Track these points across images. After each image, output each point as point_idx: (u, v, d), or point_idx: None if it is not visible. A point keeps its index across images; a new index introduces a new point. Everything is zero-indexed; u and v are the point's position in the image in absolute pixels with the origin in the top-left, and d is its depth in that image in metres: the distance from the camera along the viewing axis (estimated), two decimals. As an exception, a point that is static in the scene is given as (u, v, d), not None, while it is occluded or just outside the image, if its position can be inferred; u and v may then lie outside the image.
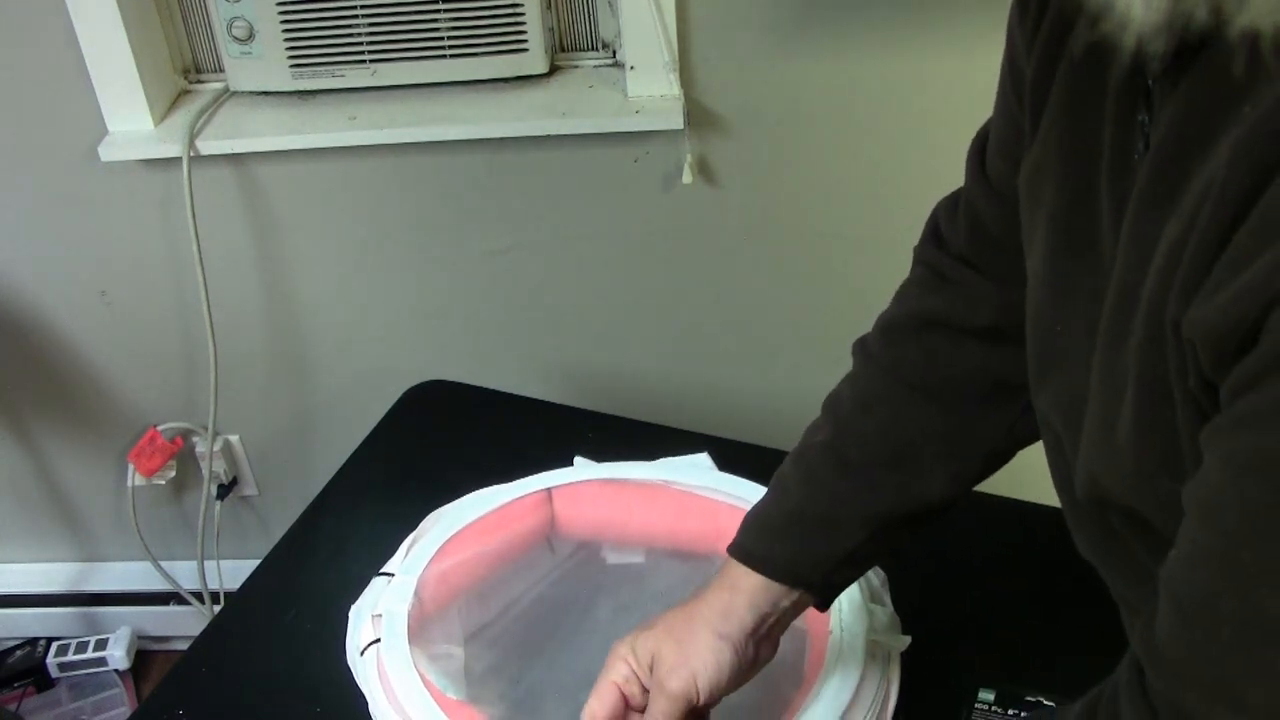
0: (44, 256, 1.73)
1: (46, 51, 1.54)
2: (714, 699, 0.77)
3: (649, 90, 1.53)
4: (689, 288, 1.70)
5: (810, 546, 0.80)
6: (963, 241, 0.83)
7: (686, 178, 1.55)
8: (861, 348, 0.88)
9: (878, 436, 0.82)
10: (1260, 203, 0.46)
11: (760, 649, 0.80)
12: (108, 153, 1.58)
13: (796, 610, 0.81)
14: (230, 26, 1.53)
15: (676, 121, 1.50)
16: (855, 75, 1.50)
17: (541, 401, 1.36)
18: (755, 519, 0.83)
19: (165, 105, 1.62)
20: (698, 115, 1.54)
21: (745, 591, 0.79)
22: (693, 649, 0.77)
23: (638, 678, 0.78)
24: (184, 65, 1.66)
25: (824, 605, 0.83)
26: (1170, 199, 0.53)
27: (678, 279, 1.69)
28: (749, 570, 0.80)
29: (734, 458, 1.10)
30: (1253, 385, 0.46)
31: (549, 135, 1.55)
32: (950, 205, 0.86)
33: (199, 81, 1.67)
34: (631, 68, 1.51)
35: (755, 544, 0.81)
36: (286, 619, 1.08)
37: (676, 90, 1.50)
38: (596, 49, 1.61)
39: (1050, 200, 0.66)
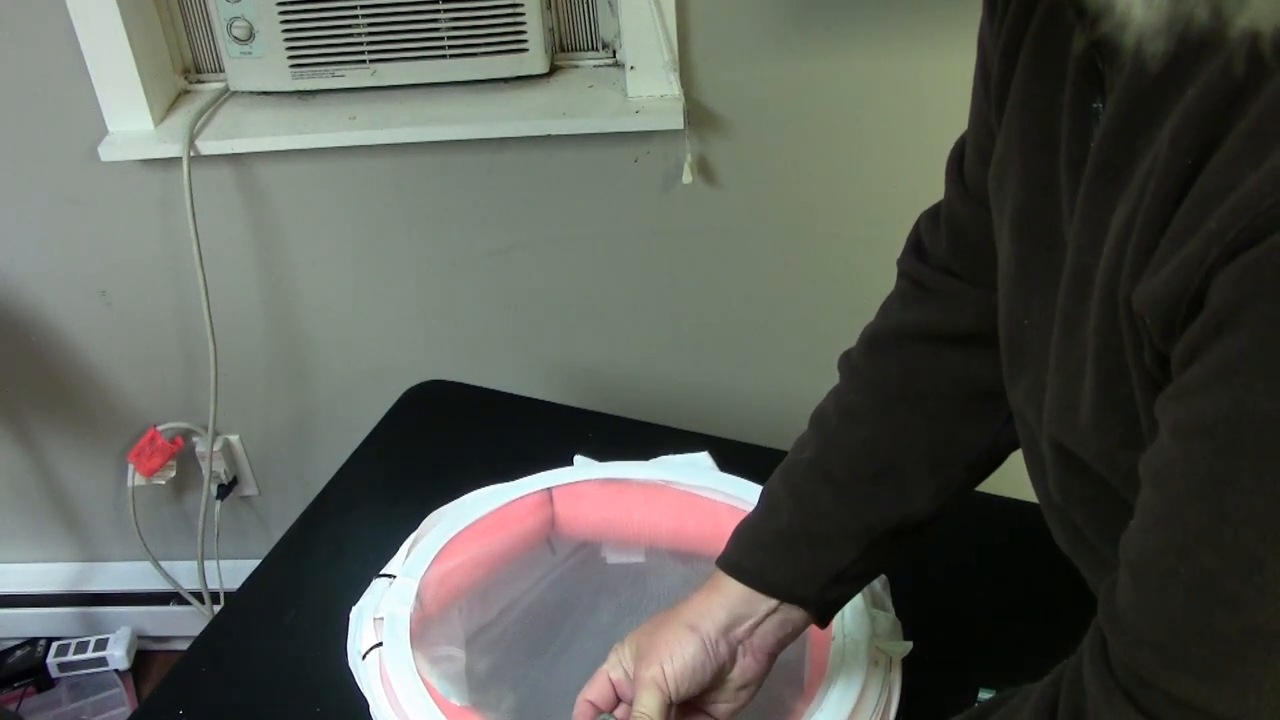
0: (44, 256, 1.73)
1: (46, 51, 1.54)
2: (685, 692, 0.77)
3: (649, 90, 1.53)
4: (689, 288, 1.70)
5: (800, 564, 0.80)
6: (944, 250, 0.84)
7: (686, 178, 1.55)
8: (846, 361, 0.88)
9: (863, 452, 0.82)
10: (1199, 179, 0.48)
11: (737, 652, 0.80)
12: (108, 153, 1.58)
13: (786, 626, 0.81)
14: (230, 26, 1.53)
15: (676, 121, 1.50)
16: (855, 75, 1.50)
17: (541, 401, 1.37)
18: (745, 533, 0.83)
19: (165, 105, 1.62)
20: (698, 115, 1.54)
21: (726, 594, 0.80)
22: (662, 639, 0.78)
23: (625, 671, 0.80)
24: (184, 65, 1.66)
25: (823, 622, 0.83)
26: (1118, 180, 0.55)
27: (678, 279, 1.69)
28: (735, 581, 0.80)
29: (734, 457, 1.10)
30: (1196, 354, 0.47)
31: (549, 135, 1.55)
32: (932, 216, 0.87)
33: (199, 81, 1.67)
34: (631, 68, 1.51)
35: (745, 558, 0.81)
36: (286, 619, 1.08)
37: (676, 90, 1.50)
38: (596, 49, 1.61)
39: (1013, 194, 0.67)
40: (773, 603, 0.79)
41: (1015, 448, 0.81)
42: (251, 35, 1.53)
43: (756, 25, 1.48)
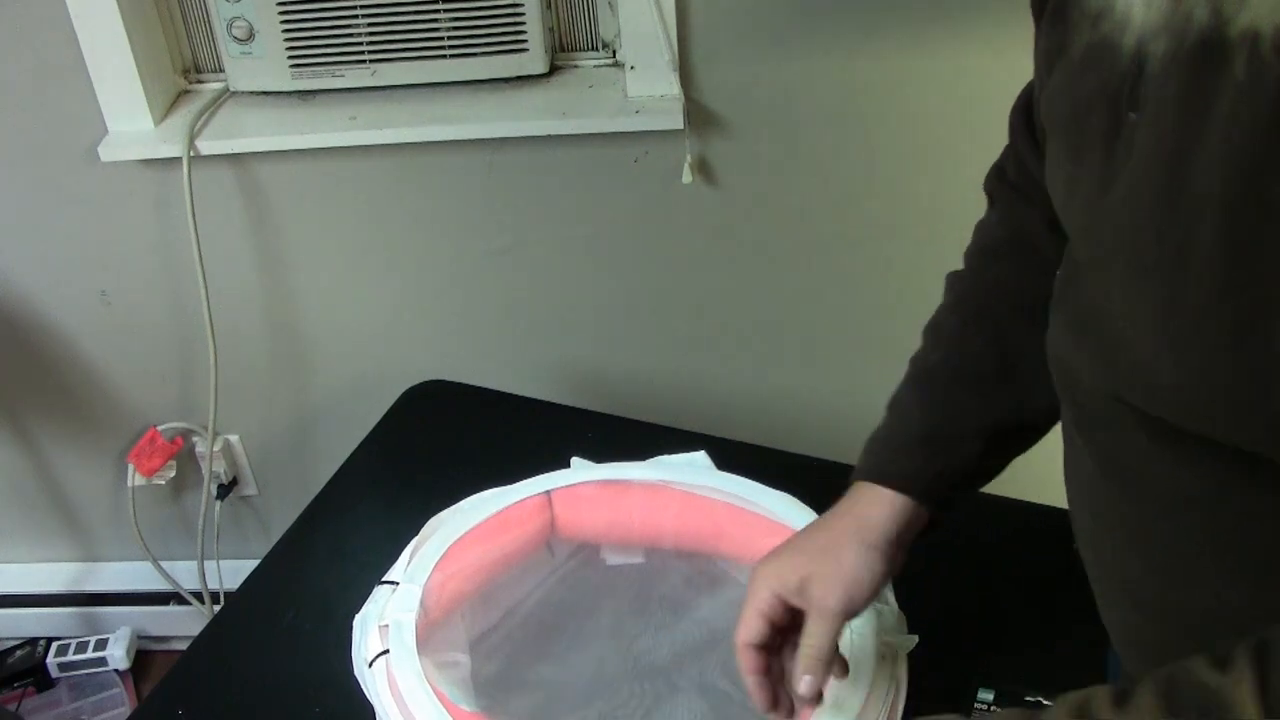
0: (44, 256, 1.73)
1: (46, 51, 1.54)
2: (860, 610, 0.79)
3: (649, 90, 1.53)
4: (689, 288, 1.70)
5: (935, 461, 0.82)
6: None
7: (686, 178, 1.55)
8: (956, 278, 0.90)
9: (988, 351, 0.84)
10: None
11: (899, 559, 0.81)
12: (108, 153, 1.58)
13: (915, 529, 0.82)
14: (230, 26, 1.53)
15: (676, 121, 1.50)
16: (855, 75, 1.50)
17: (541, 401, 1.36)
18: (879, 442, 0.85)
19: (165, 105, 1.62)
20: (698, 115, 1.54)
21: (881, 504, 0.81)
22: (847, 564, 0.78)
23: (783, 603, 0.78)
24: (184, 65, 1.66)
25: (938, 523, 0.84)
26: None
27: (677, 279, 1.69)
28: (880, 487, 0.81)
29: (732, 457, 1.10)
30: None
31: (549, 135, 1.55)
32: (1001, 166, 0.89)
33: (199, 81, 1.67)
34: (631, 68, 1.51)
35: (887, 463, 0.83)
36: (286, 619, 1.08)
37: (676, 90, 1.50)
38: (596, 49, 1.61)
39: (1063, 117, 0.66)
40: (917, 506, 0.81)
41: None
42: (251, 35, 1.53)
43: (756, 25, 1.48)
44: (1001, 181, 0.88)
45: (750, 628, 0.78)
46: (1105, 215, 0.60)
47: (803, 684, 0.76)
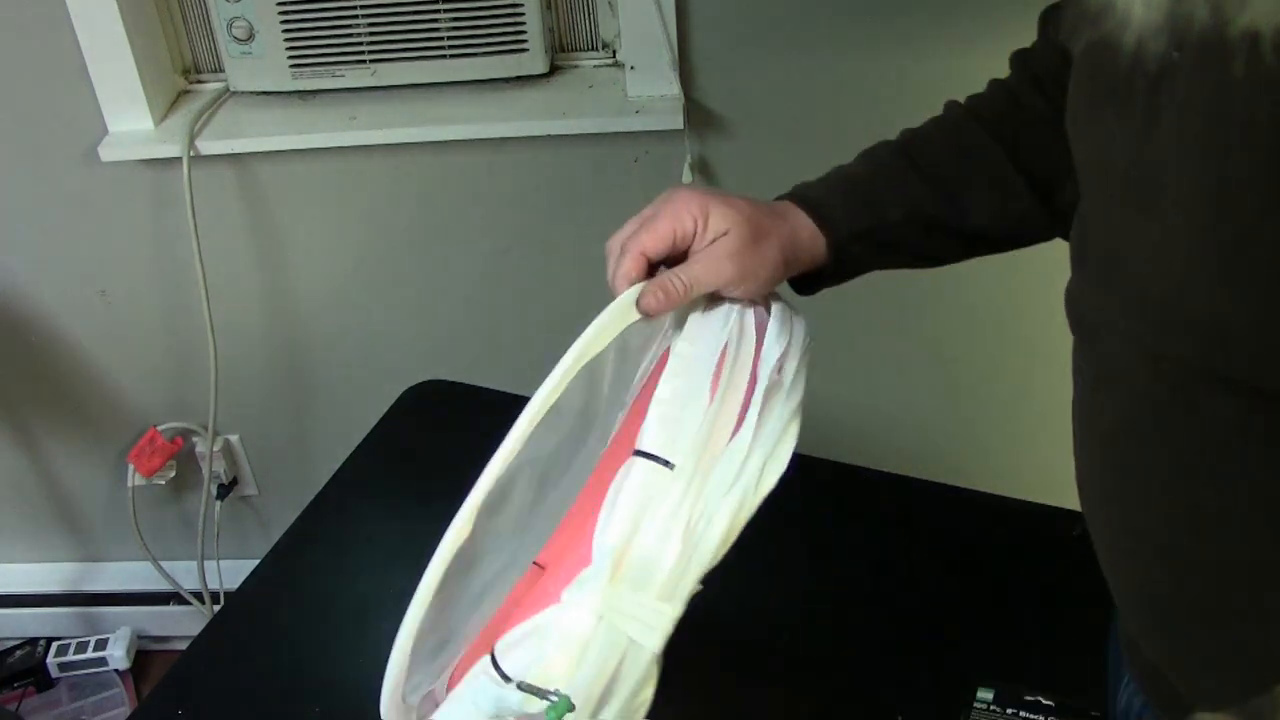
0: (44, 256, 1.73)
1: (46, 51, 1.54)
2: (735, 292, 0.81)
3: (649, 90, 1.53)
4: (689, 288, 1.70)
5: (853, 205, 0.85)
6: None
7: (686, 178, 1.55)
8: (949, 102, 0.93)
9: (942, 146, 0.87)
10: None
11: (778, 278, 0.84)
12: (108, 153, 1.58)
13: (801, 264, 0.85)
14: (230, 26, 1.53)
15: (676, 121, 1.50)
16: (855, 75, 1.50)
17: (541, 401, 1.36)
18: (812, 182, 0.89)
19: (165, 105, 1.62)
20: (698, 115, 1.54)
21: (801, 230, 0.84)
22: (762, 261, 0.80)
23: (690, 238, 0.81)
24: (184, 65, 1.66)
25: (830, 279, 0.87)
26: None
27: (678, 279, 1.69)
28: (796, 208, 0.85)
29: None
30: None
31: (549, 135, 1.55)
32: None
33: (199, 81, 1.67)
34: (631, 68, 1.51)
35: (809, 190, 0.86)
36: (286, 619, 1.08)
37: (676, 90, 1.50)
38: (596, 49, 1.61)
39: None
40: (821, 241, 0.84)
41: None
42: (251, 35, 1.53)
43: (756, 25, 1.48)
44: (1024, 64, 0.91)
45: (658, 237, 0.81)
46: (1152, 156, 0.58)
47: (647, 298, 0.80)
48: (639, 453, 0.72)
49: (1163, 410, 0.62)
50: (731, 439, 0.72)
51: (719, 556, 0.69)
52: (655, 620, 0.67)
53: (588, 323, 0.77)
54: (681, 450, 0.71)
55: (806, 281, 0.88)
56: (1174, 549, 0.65)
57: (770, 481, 0.71)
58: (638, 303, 0.79)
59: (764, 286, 0.81)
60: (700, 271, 0.79)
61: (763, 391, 0.75)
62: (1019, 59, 0.91)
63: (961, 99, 0.92)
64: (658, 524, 0.69)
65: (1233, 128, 0.52)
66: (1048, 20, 0.86)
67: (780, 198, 0.87)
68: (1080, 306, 0.70)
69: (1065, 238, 0.84)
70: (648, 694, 0.68)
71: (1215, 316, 0.56)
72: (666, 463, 0.71)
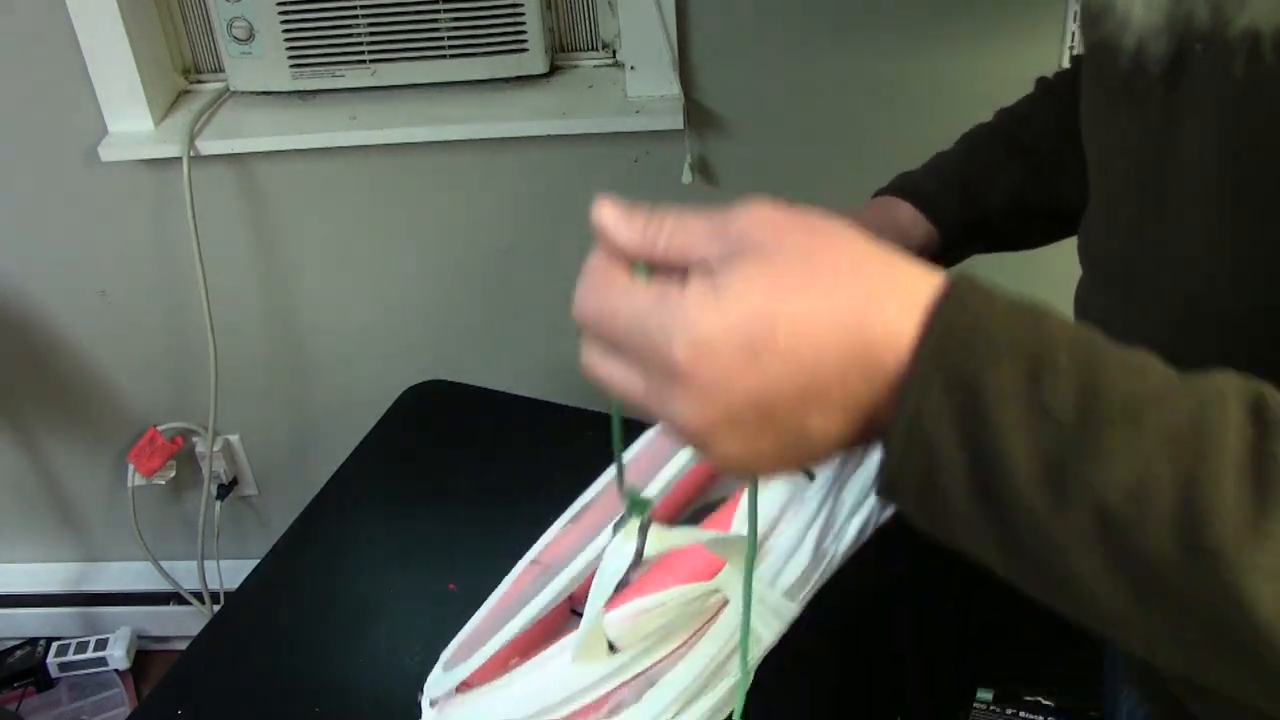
0: (44, 256, 1.73)
1: (46, 51, 1.54)
2: None
3: (649, 90, 1.53)
4: (689, 288, 1.70)
5: (959, 195, 0.83)
6: None
7: (686, 178, 1.55)
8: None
9: (1037, 125, 0.86)
10: None
11: None
12: (108, 153, 1.58)
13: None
14: (230, 26, 1.53)
15: (676, 121, 1.50)
16: (855, 75, 1.50)
17: (541, 401, 1.36)
18: (908, 174, 0.87)
19: (165, 105, 1.62)
20: (698, 115, 1.54)
21: (904, 218, 0.83)
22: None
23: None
24: (184, 65, 1.66)
25: (947, 259, 0.85)
26: None
27: (678, 279, 1.69)
28: (901, 201, 0.83)
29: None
30: None
31: (549, 135, 1.55)
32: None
33: (199, 81, 1.67)
34: (631, 68, 1.51)
35: (908, 182, 0.85)
36: (286, 619, 1.08)
37: (676, 90, 1.50)
38: (596, 49, 1.61)
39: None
40: (924, 230, 0.83)
41: None
42: (251, 35, 1.53)
43: (756, 25, 1.48)
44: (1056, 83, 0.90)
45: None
46: (1169, 157, 0.57)
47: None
48: None
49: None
50: (859, 465, 0.71)
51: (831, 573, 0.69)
52: (781, 610, 0.66)
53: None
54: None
55: None
56: None
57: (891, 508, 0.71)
58: None
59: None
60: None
61: None
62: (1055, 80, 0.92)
63: (984, 96, 0.92)
64: (795, 527, 0.68)
65: (1241, 127, 0.52)
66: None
67: (880, 192, 0.87)
68: (1091, 308, 0.70)
69: None
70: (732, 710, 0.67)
71: (1230, 316, 0.56)
72: (809, 474, 0.70)
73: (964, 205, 0.84)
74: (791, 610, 0.67)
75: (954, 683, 0.94)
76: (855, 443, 0.44)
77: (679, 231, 0.46)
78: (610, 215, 0.48)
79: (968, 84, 1.48)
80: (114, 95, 1.56)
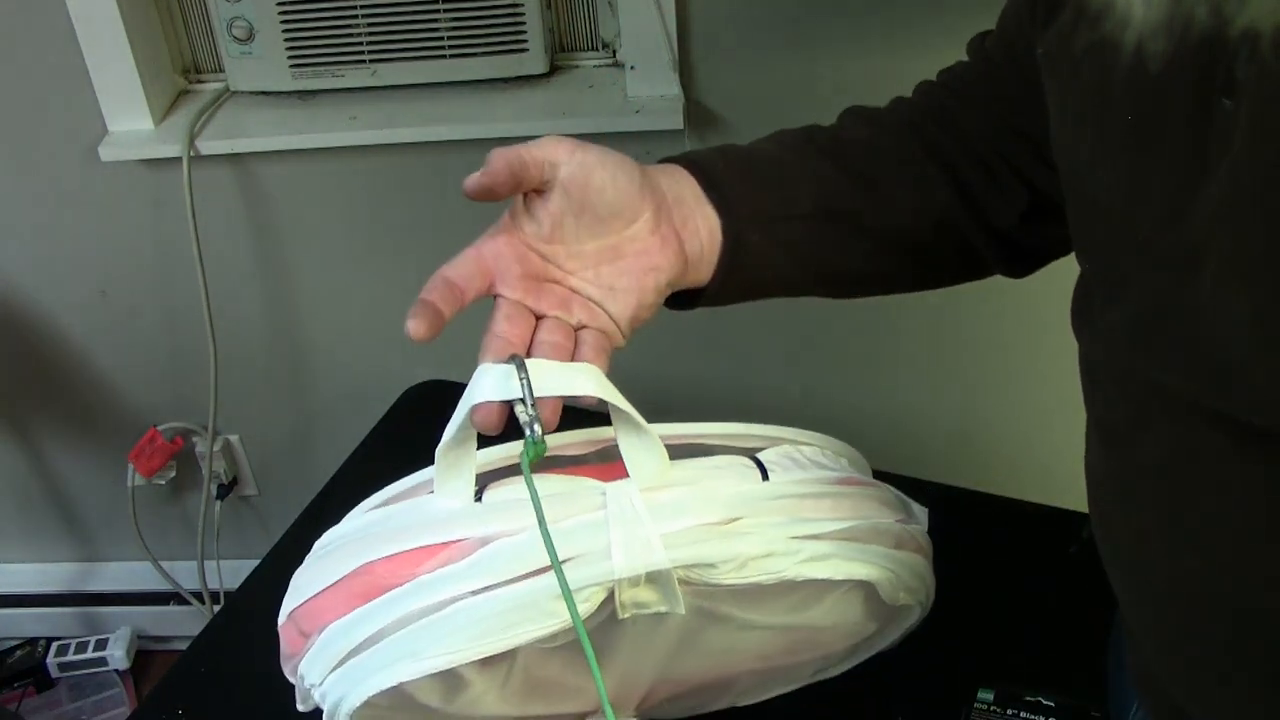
0: (44, 256, 1.73)
1: (46, 51, 1.54)
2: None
3: (649, 90, 1.53)
4: (689, 288, 1.70)
5: (753, 183, 0.74)
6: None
7: (686, 178, 1.55)
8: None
9: (859, 142, 0.78)
10: None
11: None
12: (108, 153, 1.58)
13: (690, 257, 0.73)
14: (230, 26, 1.53)
15: (676, 121, 1.50)
16: (855, 75, 1.50)
17: (541, 401, 1.36)
18: (711, 152, 0.77)
19: (165, 105, 1.62)
20: (698, 115, 1.54)
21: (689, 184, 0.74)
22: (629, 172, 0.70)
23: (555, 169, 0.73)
24: (184, 65, 1.66)
25: (723, 278, 0.74)
26: None
27: (678, 279, 1.69)
28: (686, 174, 0.74)
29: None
30: None
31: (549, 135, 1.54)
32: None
33: (199, 81, 1.67)
34: (632, 68, 1.51)
35: (700, 156, 0.76)
36: (286, 619, 1.08)
37: (676, 90, 1.50)
38: (596, 49, 1.61)
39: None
40: (714, 222, 0.73)
41: (996, 271, 0.78)
42: (251, 35, 1.53)
43: (756, 25, 1.48)
44: (983, 59, 0.83)
45: (460, 266, 0.73)
46: (1200, 209, 0.54)
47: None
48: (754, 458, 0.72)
49: (1200, 459, 0.59)
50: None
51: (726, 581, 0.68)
52: (653, 541, 0.66)
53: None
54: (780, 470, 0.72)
55: (683, 297, 0.77)
56: (1202, 594, 0.62)
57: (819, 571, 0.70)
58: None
59: (632, 195, 0.70)
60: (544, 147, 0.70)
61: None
62: (980, 54, 0.84)
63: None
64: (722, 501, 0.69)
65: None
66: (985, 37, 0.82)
67: (663, 161, 0.76)
68: (1106, 355, 0.65)
69: (1012, 273, 0.82)
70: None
71: (1250, 370, 0.54)
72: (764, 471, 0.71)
73: (757, 192, 0.74)
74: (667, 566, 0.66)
75: (954, 683, 0.94)
76: None
77: None
78: None
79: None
80: (114, 95, 1.56)
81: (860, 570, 0.71)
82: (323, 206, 1.67)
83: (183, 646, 1.36)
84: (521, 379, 0.67)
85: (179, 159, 1.56)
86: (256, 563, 1.16)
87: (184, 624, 2.04)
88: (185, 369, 1.81)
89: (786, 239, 0.75)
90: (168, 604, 2.05)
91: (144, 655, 2.08)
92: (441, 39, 1.53)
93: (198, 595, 2.00)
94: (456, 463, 0.71)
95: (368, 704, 0.69)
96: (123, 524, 1.95)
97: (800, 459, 0.75)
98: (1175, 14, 0.51)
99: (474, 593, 0.66)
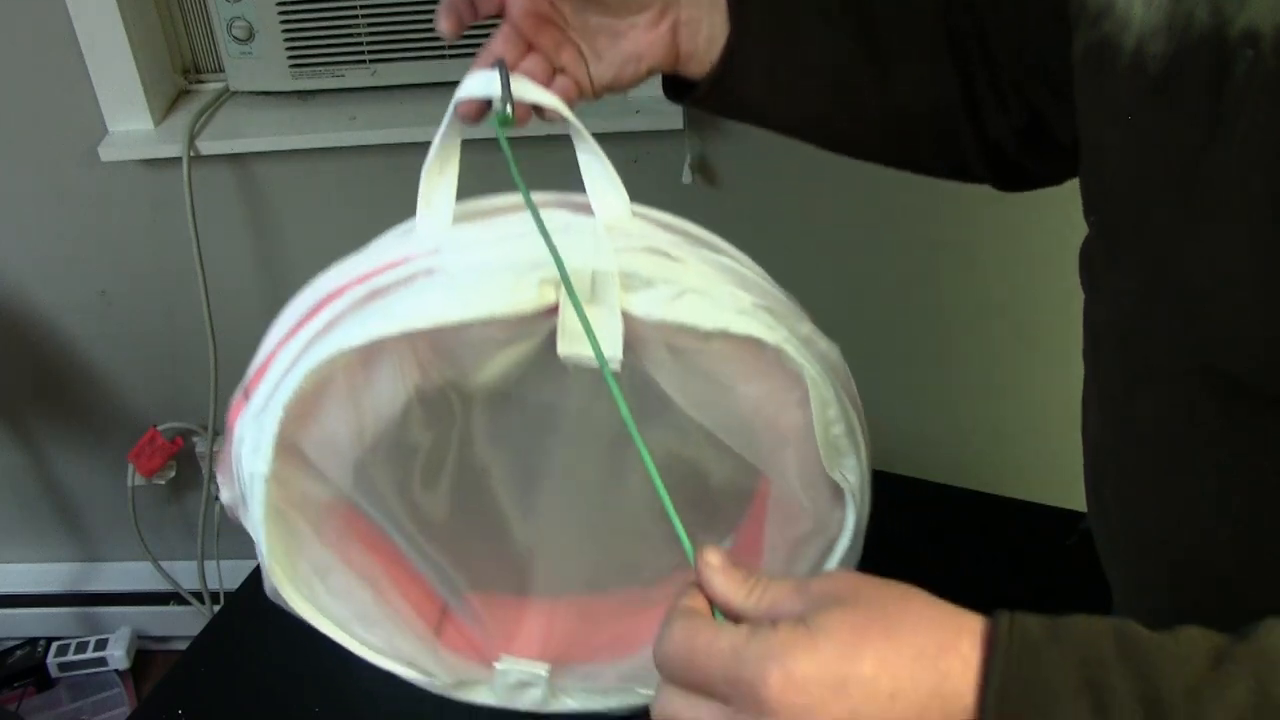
0: (44, 256, 1.73)
1: (46, 51, 1.54)
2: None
3: (649, 90, 1.52)
4: (689, 288, 1.70)
5: (773, 27, 0.78)
6: None
7: (686, 178, 1.55)
8: None
9: (889, 20, 0.79)
10: None
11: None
12: (108, 153, 1.58)
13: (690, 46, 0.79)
14: (230, 26, 1.53)
15: (676, 121, 1.50)
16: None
17: (541, 401, 1.36)
18: None
19: (165, 105, 1.62)
20: (698, 115, 1.53)
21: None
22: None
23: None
24: (184, 65, 1.66)
25: (714, 77, 0.80)
26: None
27: (678, 279, 1.69)
28: None
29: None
30: None
31: (549, 135, 1.54)
32: None
33: (199, 81, 1.67)
34: (631, 68, 1.51)
35: None
36: (286, 619, 1.08)
37: (676, 90, 1.50)
38: (596, 49, 1.61)
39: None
40: (719, 31, 0.78)
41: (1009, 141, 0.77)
42: (251, 35, 1.53)
43: (756, 25, 1.48)
44: None
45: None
46: (1215, 166, 0.54)
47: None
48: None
49: (1201, 423, 0.60)
50: None
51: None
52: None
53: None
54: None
55: (679, 85, 0.83)
56: (1213, 561, 0.62)
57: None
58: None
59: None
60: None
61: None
62: None
63: None
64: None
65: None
66: None
67: None
68: (1111, 317, 0.66)
69: (996, 184, 0.81)
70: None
71: (1255, 328, 0.54)
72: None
73: (773, 15, 0.77)
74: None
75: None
76: None
77: (769, 589, 0.51)
78: (717, 567, 0.51)
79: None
80: (114, 95, 1.56)
81: (790, 348, 0.71)
82: (323, 206, 1.67)
83: (183, 646, 1.35)
84: (501, 76, 0.75)
85: (179, 159, 1.56)
86: (256, 563, 1.15)
87: (184, 624, 2.04)
88: (185, 369, 1.81)
89: (786, 84, 0.80)
90: (168, 604, 2.05)
91: (144, 655, 2.08)
92: (441, 39, 1.53)
93: (198, 595, 2.00)
94: (440, 184, 0.79)
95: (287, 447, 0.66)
96: (123, 524, 1.95)
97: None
98: (1175, 15, 0.51)
99: (428, 272, 0.66)
